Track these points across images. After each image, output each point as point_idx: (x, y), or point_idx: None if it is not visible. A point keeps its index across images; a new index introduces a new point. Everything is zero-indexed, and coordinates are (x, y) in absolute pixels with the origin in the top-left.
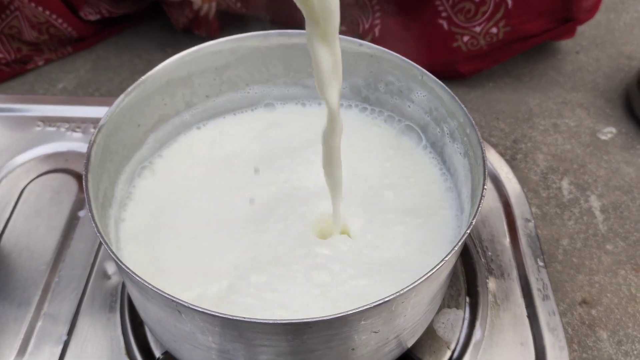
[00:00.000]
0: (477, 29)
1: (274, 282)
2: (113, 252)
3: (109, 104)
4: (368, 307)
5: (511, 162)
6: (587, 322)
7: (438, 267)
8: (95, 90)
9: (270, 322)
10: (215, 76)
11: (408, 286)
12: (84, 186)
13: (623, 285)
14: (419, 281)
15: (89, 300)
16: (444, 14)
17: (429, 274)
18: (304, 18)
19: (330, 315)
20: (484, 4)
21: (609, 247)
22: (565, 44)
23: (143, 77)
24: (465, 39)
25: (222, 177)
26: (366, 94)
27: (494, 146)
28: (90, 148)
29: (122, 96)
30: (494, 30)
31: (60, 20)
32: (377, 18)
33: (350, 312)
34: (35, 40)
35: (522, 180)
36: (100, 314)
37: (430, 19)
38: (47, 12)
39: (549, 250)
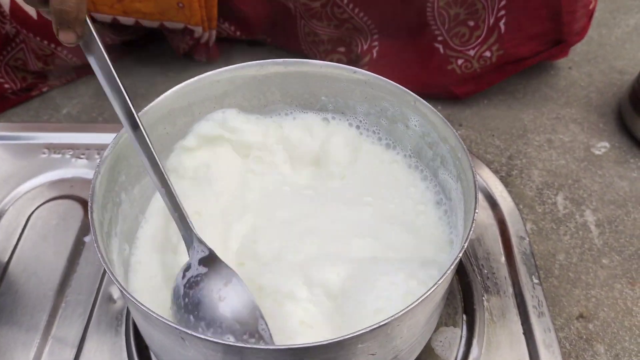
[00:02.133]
0: (471, 52)
1: None
2: (119, 282)
3: (112, 130)
4: (364, 331)
5: (507, 178)
6: (584, 337)
7: (431, 290)
8: (98, 114)
9: (271, 347)
10: (214, 104)
11: (403, 310)
12: (89, 217)
13: (619, 299)
14: (413, 304)
15: (95, 324)
16: (440, 38)
17: (423, 297)
18: (300, 43)
19: (327, 340)
20: (477, 29)
21: (604, 261)
22: (558, 60)
23: (145, 108)
24: (460, 62)
25: (225, 198)
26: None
27: (490, 163)
28: (95, 180)
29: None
30: (488, 53)
31: (65, 52)
32: (375, 40)
33: (347, 336)
34: (41, 70)
35: (518, 196)
36: (106, 338)
37: (426, 42)
38: (53, 45)
39: (545, 265)
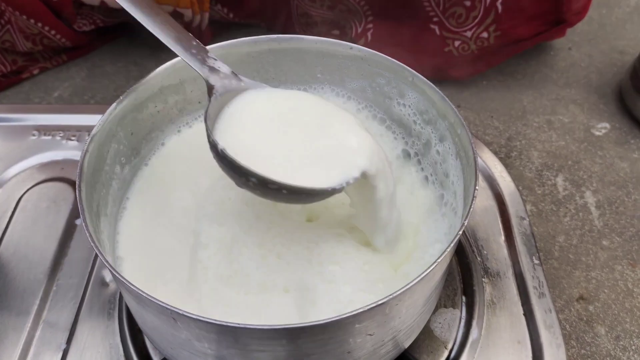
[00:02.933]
0: (468, 33)
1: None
2: (108, 262)
3: (103, 111)
4: (361, 310)
5: (506, 160)
6: (584, 318)
7: (430, 269)
8: (90, 97)
9: (265, 327)
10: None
11: (401, 289)
12: (77, 196)
13: (620, 280)
14: (411, 283)
15: (87, 308)
16: (435, 19)
17: (421, 276)
18: (294, 25)
19: (324, 320)
20: (474, 9)
21: (605, 242)
22: (558, 40)
23: (135, 85)
24: (457, 43)
25: (212, 178)
26: (360, 95)
27: (489, 144)
28: (82, 158)
29: (114, 105)
30: (485, 34)
31: (53, 32)
32: (370, 22)
33: (344, 315)
34: (30, 51)
35: (517, 177)
36: (98, 322)
37: (422, 23)
38: (39, 24)
39: (545, 247)
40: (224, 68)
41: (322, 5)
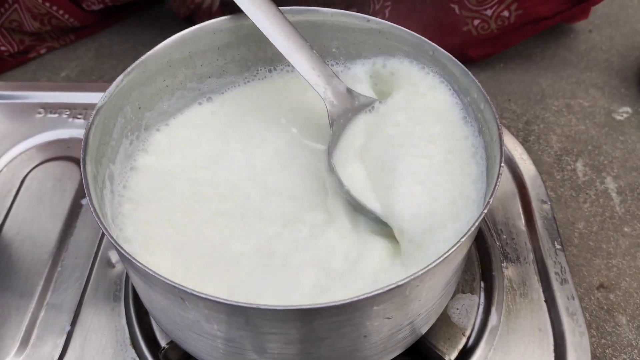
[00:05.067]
0: (488, 12)
1: None
2: (113, 238)
3: None
4: (380, 291)
5: (524, 144)
6: (605, 307)
7: (453, 249)
8: (98, 77)
9: (279, 308)
10: (217, 56)
11: (422, 269)
12: (82, 170)
13: None
14: (433, 264)
15: (92, 289)
16: None
17: (444, 256)
18: (311, 5)
19: (340, 301)
20: None
21: (626, 229)
22: (578, 22)
23: (143, 57)
24: (476, 22)
25: (223, 152)
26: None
27: (506, 128)
28: (88, 130)
29: (120, 77)
30: (506, 13)
31: (61, 12)
32: (388, 0)
33: (362, 296)
34: (38, 31)
35: (536, 162)
36: (104, 304)
37: (441, 2)
38: (47, 4)
39: (564, 233)
40: (341, 87)
41: None
